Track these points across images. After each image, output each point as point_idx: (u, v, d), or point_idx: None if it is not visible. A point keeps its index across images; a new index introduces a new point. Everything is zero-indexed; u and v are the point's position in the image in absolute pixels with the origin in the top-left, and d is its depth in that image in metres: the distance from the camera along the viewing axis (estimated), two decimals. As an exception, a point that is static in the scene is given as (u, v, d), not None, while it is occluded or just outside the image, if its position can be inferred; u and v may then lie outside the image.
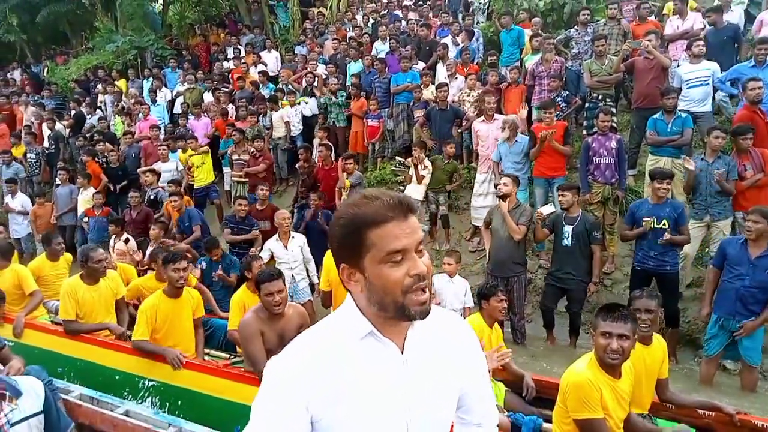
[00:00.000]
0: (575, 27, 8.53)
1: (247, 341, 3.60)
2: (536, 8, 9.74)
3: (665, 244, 5.03)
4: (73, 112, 12.13)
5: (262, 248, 6.46)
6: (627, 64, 7.09)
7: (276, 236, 6.33)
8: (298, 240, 6.28)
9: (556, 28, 9.70)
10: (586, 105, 7.48)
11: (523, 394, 3.77)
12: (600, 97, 7.18)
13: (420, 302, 1.20)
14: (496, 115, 7.36)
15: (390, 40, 10.08)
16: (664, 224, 5.07)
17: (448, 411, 1.37)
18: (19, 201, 9.57)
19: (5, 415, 2.07)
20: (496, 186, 6.49)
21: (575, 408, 2.63)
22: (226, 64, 12.20)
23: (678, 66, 7.14)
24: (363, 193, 1.26)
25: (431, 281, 1.28)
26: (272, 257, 6.23)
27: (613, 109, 7.09)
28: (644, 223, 5.11)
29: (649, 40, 6.73)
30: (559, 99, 7.47)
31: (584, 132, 7.61)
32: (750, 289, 4.40)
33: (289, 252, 6.20)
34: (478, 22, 10.35)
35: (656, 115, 6.27)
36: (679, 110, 6.25)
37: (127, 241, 7.17)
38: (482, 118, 7.40)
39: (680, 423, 3.29)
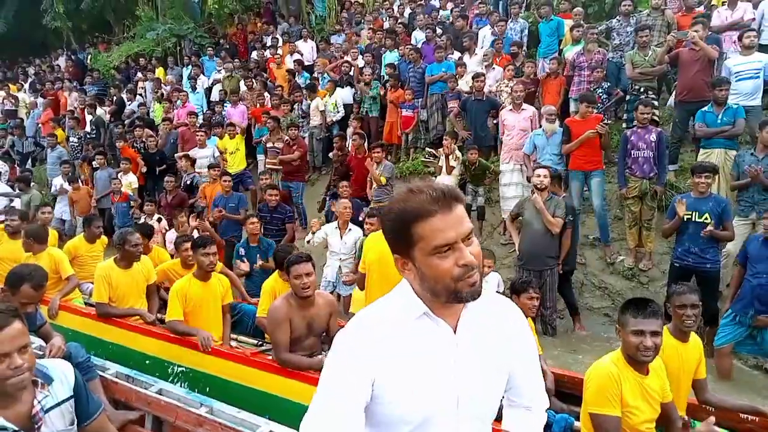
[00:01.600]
0: (617, 18, 8.28)
1: (274, 326, 3.60)
2: (576, -1, 9.50)
3: (707, 236, 4.88)
4: (114, 99, 12.44)
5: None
6: (671, 56, 6.84)
7: (336, 223, 6.29)
8: (355, 233, 6.14)
9: (597, 20, 9.44)
10: (627, 98, 7.27)
11: None
12: (642, 90, 6.97)
13: (470, 284, 1.25)
14: (525, 105, 7.22)
15: (427, 29, 9.98)
16: (706, 218, 4.91)
17: (497, 390, 1.44)
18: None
19: (39, 402, 2.09)
20: (529, 179, 6.37)
21: (591, 400, 2.56)
22: (263, 53, 12.27)
23: (727, 58, 6.85)
24: (410, 187, 1.29)
25: (482, 266, 1.31)
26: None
27: (655, 102, 6.87)
28: (677, 207, 4.99)
29: (696, 31, 6.47)
30: (600, 91, 7.28)
31: (624, 125, 7.41)
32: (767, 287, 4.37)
33: (342, 243, 6.12)
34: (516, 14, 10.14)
35: (705, 108, 6.03)
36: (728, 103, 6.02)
37: (159, 220, 7.34)
38: (510, 107, 7.27)
39: (720, 426, 3.15)
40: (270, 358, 3.78)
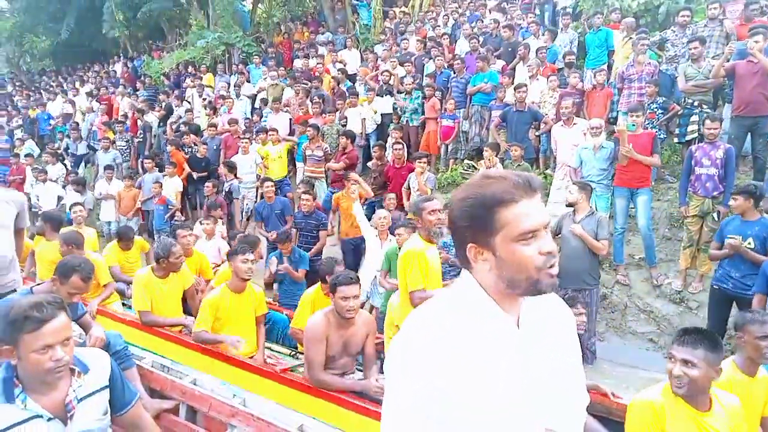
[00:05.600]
0: (672, 28, 7.93)
1: (310, 343, 3.52)
2: (628, 9, 9.16)
3: (732, 250, 4.59)
4: (163, 104, 12.80)
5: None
6: (728, 68, 6.44)
7: (376, 233, 6.27)
8: (393, 243, 6.08)
9: (650, 30, 9.09)
10: (680, 112, 6.91)
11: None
12: (696, 103, 6.63)
13: (551, 275, 1.21)
14: (576, 119, 6.96)
15: (471, 40, 9.85)
16: (749, 243, 4.62)
17: (575, 387, 1.35)
18: (116, 187, 10.10)
19: (74, 391, 2.12)
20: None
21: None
22: (307, 62, 12.40)
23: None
24: (486, 174, 1.27)
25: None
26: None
27: (722, 117, 6.49)
28: (728, 240, 4.68)
29: (756, 42, 6.10)
30: (655, 106, 6.92)
31: (675, 140, 7.06)
32: None
33: (382, 252, 5.99)
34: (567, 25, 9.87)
35: None
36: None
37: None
38: (561, 122, 7.04)
39: None
40: (301, 375, 3.70)
